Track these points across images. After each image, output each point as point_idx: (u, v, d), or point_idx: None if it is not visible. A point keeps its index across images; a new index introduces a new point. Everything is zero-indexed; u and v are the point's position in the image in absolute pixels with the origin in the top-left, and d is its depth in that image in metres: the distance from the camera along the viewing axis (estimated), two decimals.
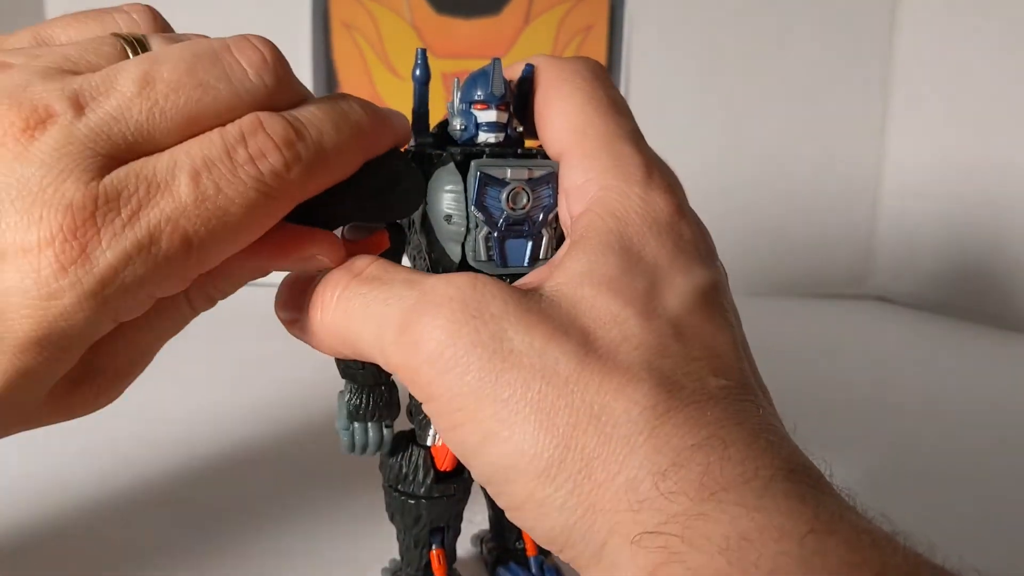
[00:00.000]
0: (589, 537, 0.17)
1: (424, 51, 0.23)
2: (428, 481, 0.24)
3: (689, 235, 0.20)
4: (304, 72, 0.70)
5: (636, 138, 0.22)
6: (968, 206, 0.71)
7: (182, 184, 0.17)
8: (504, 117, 0.22)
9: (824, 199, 0.77)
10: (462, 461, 0.19)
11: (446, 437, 0.19)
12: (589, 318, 0.18)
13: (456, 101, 0.22)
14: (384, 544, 0.28)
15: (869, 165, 0.77)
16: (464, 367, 0.18)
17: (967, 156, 0.71)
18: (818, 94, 0.75)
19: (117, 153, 0.17)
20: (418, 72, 0.23)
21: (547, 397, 0.17)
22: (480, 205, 0.21)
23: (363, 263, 0.21)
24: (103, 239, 0.17)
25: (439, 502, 0.25)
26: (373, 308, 0.19)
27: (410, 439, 0.25)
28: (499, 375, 0.18)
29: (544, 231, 0.22)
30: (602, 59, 0.73)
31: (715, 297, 0.19)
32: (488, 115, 0.22)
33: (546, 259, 0.22)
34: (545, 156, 0.22)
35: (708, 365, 0.18)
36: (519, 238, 0.22)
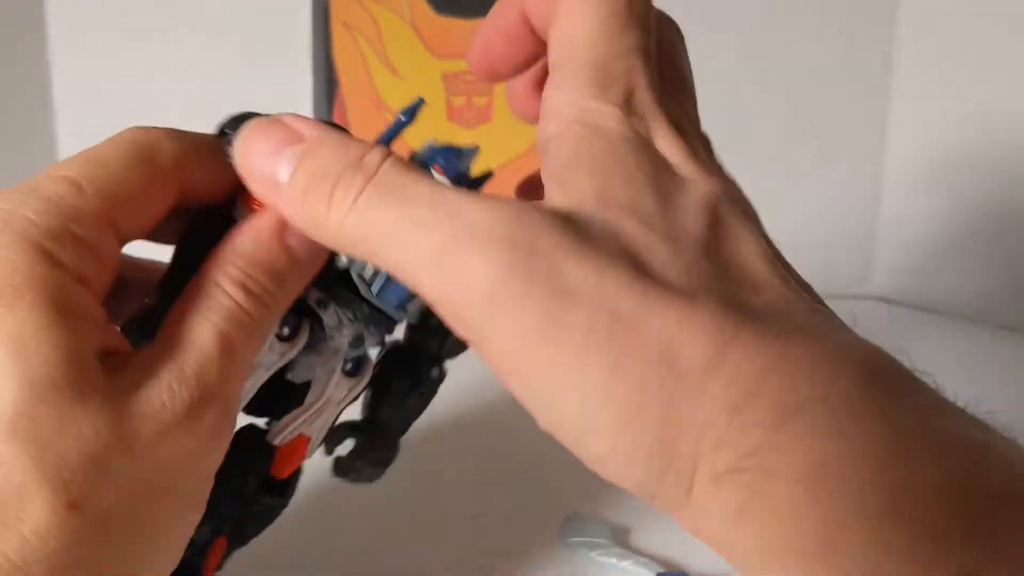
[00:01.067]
0: (678, 482, 0.16)
1: (423, 102, 0.23)
2: (253, 485, 0.24)
3: (658, 164, 0.19)
4: (304, 72, 0.70)
5: (635, 56, 0.21)
6: (968, 206, 0.71)
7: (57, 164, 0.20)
8: None
9: (824, 199, 0.76)
10: (528, 406, 0.18)
11: (503, 380, 0.18)
12: (627, 243, 0.17)
13: (424, 153, 0.23)
14: None
15: (869, 165, 0.77)
16: (522, 308, 0.16)
17: (967, 156, 0.71)
18: (818, 94, 0.75)
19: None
20: (405, 118, 0.23)
21: (615, 337, 0.16)
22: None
23: (374, 158, 0.19)
24: None
25: (250, 511, 0.24)
26: (400, 230, 0.18)
27: (259, 434, 0.24)
28: (561, 315, 0.16)
29: None
30: None
31: (726, 208, 0.19)
32: (440, 180, 0.22)
33: (409, 313, 0.23)
34: None
35: (746, 282, 0.18)
36: (403, 284, 0.22)
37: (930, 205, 0.73)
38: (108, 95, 0.69)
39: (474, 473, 0.38)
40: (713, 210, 0.19)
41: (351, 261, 0.22)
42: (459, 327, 0.18)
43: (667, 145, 0.20)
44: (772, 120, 0.75)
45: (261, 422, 0.25)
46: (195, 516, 0.20)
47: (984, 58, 0.69)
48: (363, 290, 0.22)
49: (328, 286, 0.22)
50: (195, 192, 0.22)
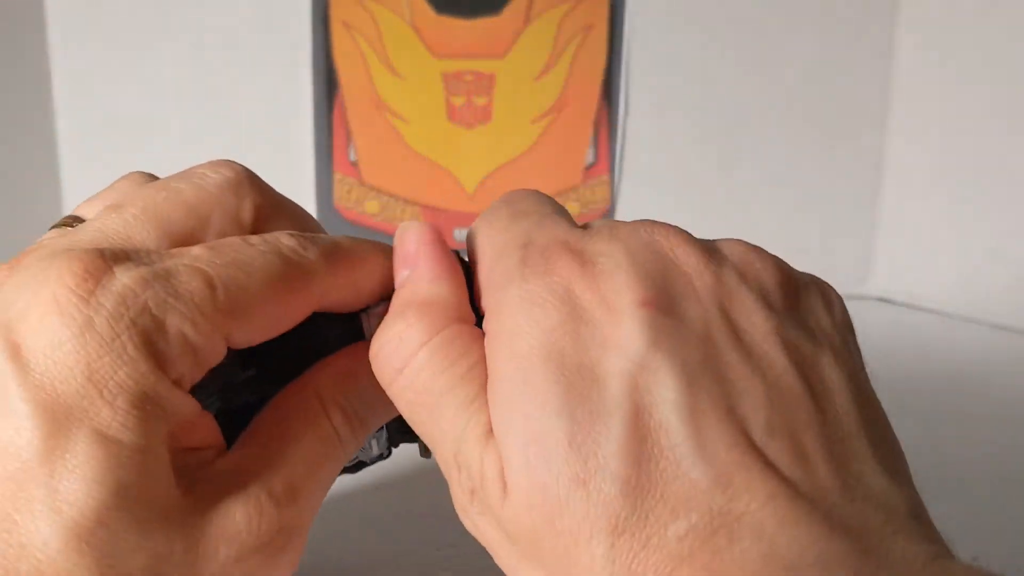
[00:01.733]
0: None
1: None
2: None
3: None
4: (304, 72, 0.70)
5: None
6: (968, 206, 0.71)
7: (195, 249, 0.18)
8: None
9: (824, 198, 0.77)
10: None
11: None
12: None
13: None
14: None
15: (869, 164, 0.77)
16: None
17: (967, 156, 0.71)
18: (819, 94, 0.75)
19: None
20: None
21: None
22: None
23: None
24: (116, 272, 0.17)
25: None
26: (446, 442, 0.19)
27: None
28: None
29: None
30: (602, 59, 0.73)
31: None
32: None
33: None
34: None
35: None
36: None
37: (930, 205, 0.73)
38: (108, 95, 0.69)
39: None
40: None
41: None
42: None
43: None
44: (772, 120, 0.75)
45: None
46: None
47: (985, 58, 0.69)
48: None
49: None
50: (331, 298, 0.21)
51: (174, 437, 0.18)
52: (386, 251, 0.21)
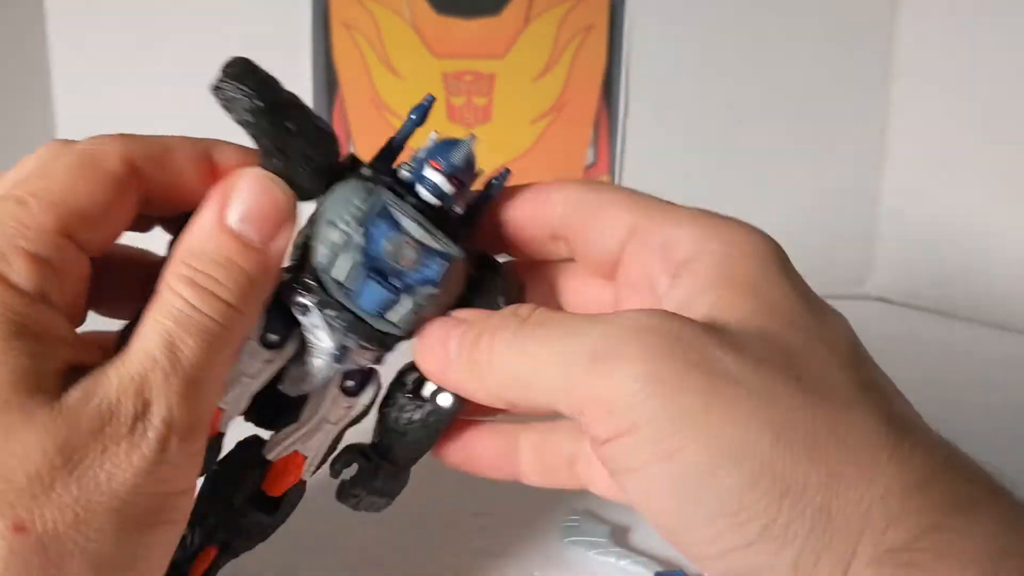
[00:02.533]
0: (835, 562, 0.16)
1: (433, 99, 0.23)
2: (241, 498, 0.23)
3: (802, 282, 0.20)
4: (304, 72, 0.70)
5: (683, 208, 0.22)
6: (968, 206, 0.71)
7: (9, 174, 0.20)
8: (450, 189, 0.22)
9: (824, 199, 0.76)
10: (676, 498, 0.17)
11: (652, 471, 0.17)
12: (783, 347, 0.18)
13: (422, 152, 0.22)
14: None
15: (869, 165, 0.77)
16: (679, 388, 0.17)
17: (967, 156, 0.71)
18: (818, 94, 0.75)
19: None
20: (415, 116, 0.23)
21: (779, 415, 0.16)
22: (366, 229, 0.21)
23: (526, 310, 0.20)
24: None
25: (238, 525, 0.23)
26: (555, 344, 0.19)
27: (257, 445, 0.23)
28: (721, 393, 0.16)
29: (406, 298, 0.21)
30: (602, 59, 0.73)
31: (855, 339, 0.20)
32: (435, 177, 0.22)
33: (393, 323, 0.21)
34: (457, 243, 0.22)
35: (896, 398, 0.18)
36: (379, 286, 0.21)
37: (930, 205, 0.73)
38: (108, 95, 0.69)
39: None
40: (852, 334, 0.19)
41: (326, 264, 0.21)
42: (611, 420, 0.17)
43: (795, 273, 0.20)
44: (772, 120, 0.75)
45: (268, 435, 0.24)
46: (158, 536, 0.19)
47: (984, 58, 0.69)
48: (338, 294, 0.21)
49: (307, 288, 0.21)
50: (165, 196, 0.21)
51: (45, 357, 0.18)
52: (196, 149, 0.22)
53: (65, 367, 0.18)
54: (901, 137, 0.76)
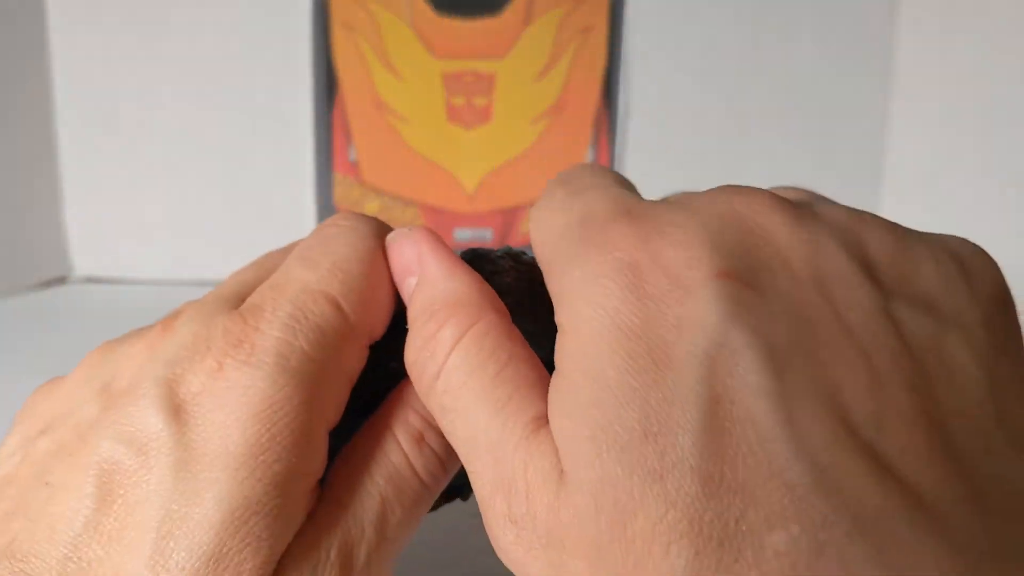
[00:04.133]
0: None
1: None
2: None
3: None
4: (304, 72, 0.70)
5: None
6: (967, 207, 0.71)
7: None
8: None
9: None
10: None
11: None
12: None
13: None
14: None
15: (869, 165, 0.77)
16: None
17: (967, 156, 0.71)
18: (818, 94, 0.76)
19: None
20: None
21: None
22: None
23: (443, 348, 0.17)
24: (262, 326, 0.17)
25: None
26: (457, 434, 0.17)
27: None
28: None
29: None
30: (601, 61, 0.73)
31: None
32: None
33: None
34: None
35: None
36: None
37: (930, 206, 0.73)
38: (108, 95, 0.69)
39: None
40: None
41: None
42: None
43: None
44: (772, 121, 0.76)
45: None
46: None
47: (984, 58, 0.69)
48: None
49: None
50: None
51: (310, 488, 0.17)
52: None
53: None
54: (901, 137, 0.76)
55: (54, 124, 0.70)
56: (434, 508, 0.23)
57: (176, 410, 0.16)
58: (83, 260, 0.72)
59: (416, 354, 0.18)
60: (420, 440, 0.18)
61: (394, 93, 0.71)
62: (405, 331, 0.19)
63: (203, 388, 0.16)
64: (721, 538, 0.13)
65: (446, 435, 0.17)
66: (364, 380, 0.19)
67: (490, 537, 0.17)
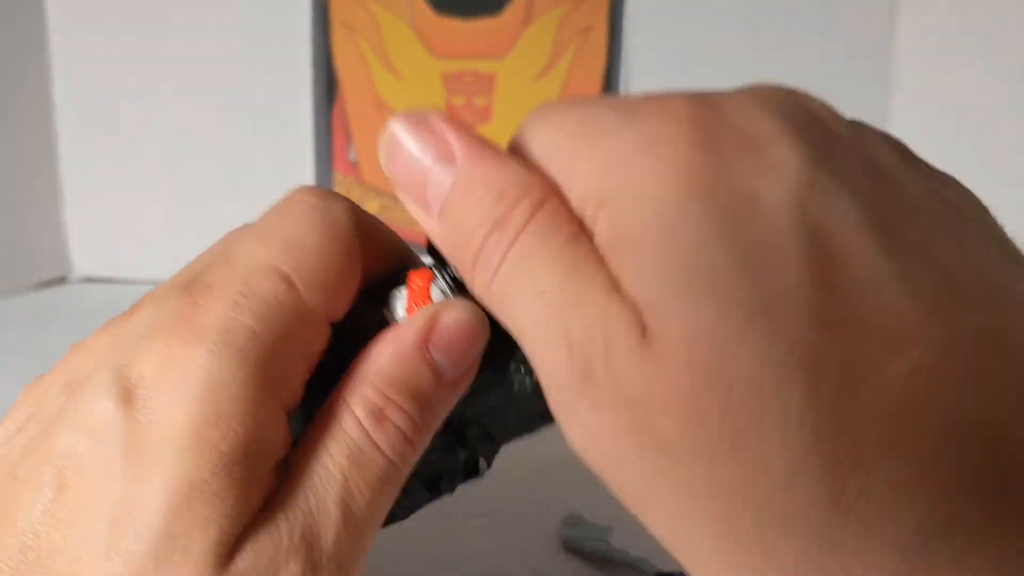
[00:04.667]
0: None
1: None
2: None
3: None
4: (304, 72, 0.70)
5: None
6: None
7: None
8: None
9: None
10: None
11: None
12: None
13: None
14: None
15: None
16: None
17: (967, 156, 0.71)
18: (818, 94, 0.75)
19: None
20: None
21: None
22: None
23: (519, 217, 0.16)
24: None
25: None
26: (531, 308, 0.16)
27: None
28: None
29: None
30: (601, 61, 0.73)
31: None
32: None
33: None
34: None
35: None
36: None
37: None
38: (108, 95, 0.69)
39: None
40: None
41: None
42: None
43: None
44: None
45: None
46: None
47: (985, 58, 0.69)
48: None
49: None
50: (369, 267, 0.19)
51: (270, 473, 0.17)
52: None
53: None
54: (901, 136, 0.76)
55: (54, 124, 0.70)
56: (418, 505, 0.22)
57: (127, 394, 0.16)
58: (83, 260, 0.72)
59: (479, 241, 0.16)
60: (381, 416, 0.17)
61: (394, 93, 0.71)
62: (374, 311, 0.19)
63: (153, 370, 0.16)
64: (841, 369, 0.12)
65: (506, 318, 0.16)
66: (332, 361, 0.18)
67: (557, 410, 0.15)
